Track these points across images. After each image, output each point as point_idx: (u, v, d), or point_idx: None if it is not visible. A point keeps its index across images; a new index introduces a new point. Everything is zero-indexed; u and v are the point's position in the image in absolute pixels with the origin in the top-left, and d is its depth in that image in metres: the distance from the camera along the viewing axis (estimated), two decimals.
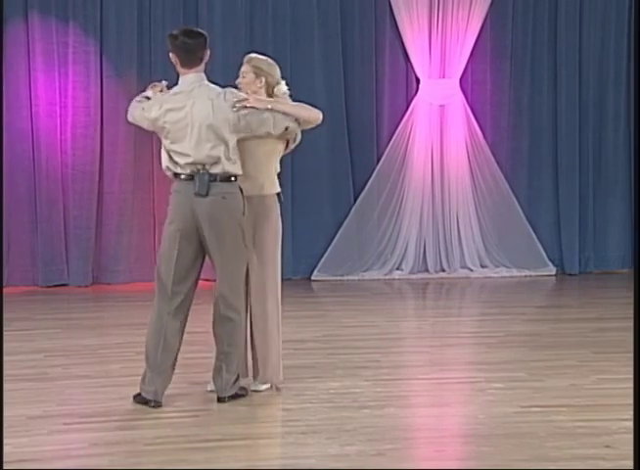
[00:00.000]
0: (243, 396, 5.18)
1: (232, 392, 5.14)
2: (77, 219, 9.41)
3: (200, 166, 5.02)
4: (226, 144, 5.07)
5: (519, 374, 5.78)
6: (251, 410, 5.01)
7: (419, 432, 4.78)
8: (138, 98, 5.32)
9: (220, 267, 5.11)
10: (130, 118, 5.33)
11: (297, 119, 5.30)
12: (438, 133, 10.07)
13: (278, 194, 5.44)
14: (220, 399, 5.12)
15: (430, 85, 9.98)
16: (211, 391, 5.25)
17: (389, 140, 10.03)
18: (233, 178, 5.08)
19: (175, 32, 5.21)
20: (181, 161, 5.05)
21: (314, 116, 5.36)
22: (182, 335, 5.14)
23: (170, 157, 5.10)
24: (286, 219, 9.79)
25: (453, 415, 5.02)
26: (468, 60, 9.98)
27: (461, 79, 10.04)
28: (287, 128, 5.27)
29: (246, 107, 5.16)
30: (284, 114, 5.24)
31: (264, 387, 5.32)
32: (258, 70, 5.44)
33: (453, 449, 4.52)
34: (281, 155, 5.53)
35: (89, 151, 9.34)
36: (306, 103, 5.49)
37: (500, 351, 6.47)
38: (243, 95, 5.25)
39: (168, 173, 5.16)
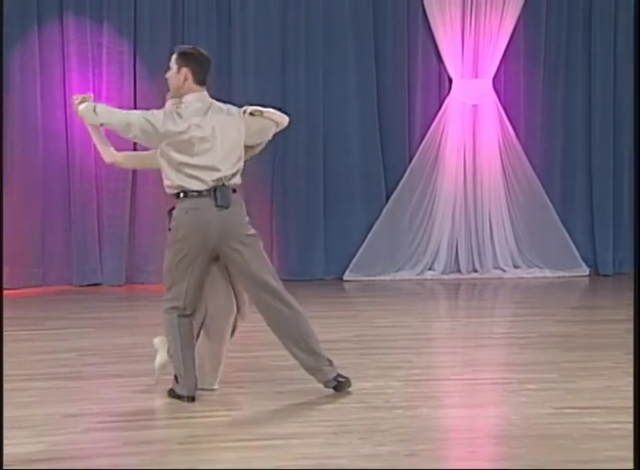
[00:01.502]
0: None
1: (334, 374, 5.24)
2: (111, 219, 9.49)
3: (223, 180, 5.06)
4: (242, 156, 5.17)
5: (552, 375, 5.75)
6: (282, 410, 5.02)
7: (451, 433, 4.76)
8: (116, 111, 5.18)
9: (255, 268, 5.12)
10: (115, 122, 5.07)
11: (277, 125, 5.30)
12: (471, 133, 10.04)
13: None
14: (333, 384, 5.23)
15: (462, 85, 9.96)
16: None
17: (422, 140, 10.02)
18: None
19: (189, 49, 5.23)
20: (207, 176, 5.02)
21: (285, 121, 5.39)
22: (198, 328, 5.22)
23: (188, 174, 5.02)
24: (317, 219, 9.93)
25: (486, 416, 5.00)
26: (501, 60, 9.95)
27: (494, 79, 10.01)
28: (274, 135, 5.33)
29: (252, 114, 5.18)
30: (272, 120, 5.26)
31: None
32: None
33: (486, 450, 4.50)
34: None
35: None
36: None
37: (533, 352, 6.43)
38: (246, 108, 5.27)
39: (175, 191, 5.05)
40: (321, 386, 5.31)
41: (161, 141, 5.04)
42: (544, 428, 4.67)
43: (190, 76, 5.12)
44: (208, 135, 5.05)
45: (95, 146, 5.47)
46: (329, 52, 9.85)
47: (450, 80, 10.03)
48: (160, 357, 5.36)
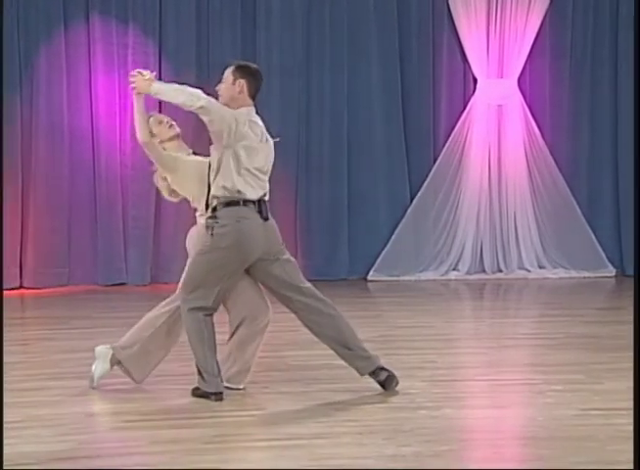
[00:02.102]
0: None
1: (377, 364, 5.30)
2: (136, 220, 9.53)
3: (266, 193, 5.18)
4: None
5: (578, 376, 5.72)
6: (307, 410, 5.02)
7: (476, 433, 4.75)
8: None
9: (294, 275, 5.24)
10: (215, 114, 5.00)
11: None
12: (496, 133, 10.01)
13: None
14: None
15: (487, 85, 9.93)
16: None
17: (446, 140, 10.00)
18: None
19: (247, 63, 5.28)
20: (259, 187, 5.11)
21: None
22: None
23: (247, 181, 5.07)
24: (342, 220, 9.93)
25: (511, 417, 4.98)
26: (526, 59, 9.91)
27: (519, 79, 9.97)
28: None
29: None
30: None
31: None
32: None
33: (511, 452, 4.48)
34: None
35: None
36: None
37: (559, 352, 6.40)
38: None
39: (228, 195, 5.03)
40: (346, 386, 5.31)
41: (239, 141, 5.06)
42: (570, 429, 4.64)
43: (245, 89, 5.14)
44: (264, 147, 5.14)
45: (135, 124, 5.30)
46: (353, 52, 9.84)
47: (475, 80, 9.99)
48: (102, 368, 5.35)
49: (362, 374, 5.31)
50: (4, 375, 5.70)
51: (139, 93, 5.19)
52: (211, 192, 5.13)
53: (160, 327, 5.34)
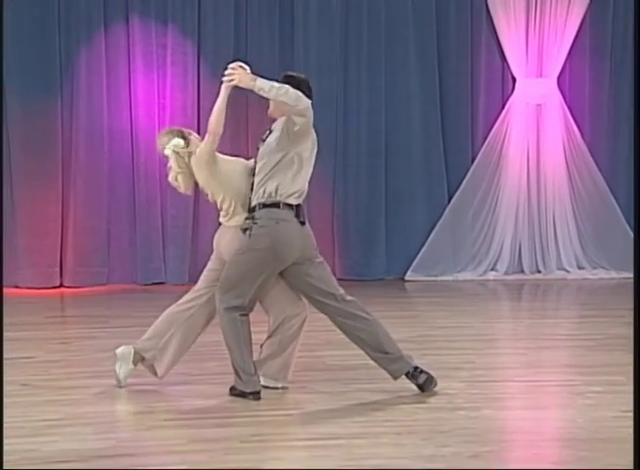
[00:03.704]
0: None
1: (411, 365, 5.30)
2: (174, 219, 9.58)
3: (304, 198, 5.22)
4: None
5: (618, 378, 5.66)
6: (345, 410, 5.02)
7: (515, 434, 4.72)
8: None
9: (327, 281, 5.25)
10: (307, 111, 5.08)
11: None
12: (535, 133, 9.95)
13: None
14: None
15: (526, 84, 9.87)
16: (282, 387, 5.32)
17: (485, 140, 9.95)
18: None
19: (298, 73, 5.33)
20: (303, 191, 5.16)
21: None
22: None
23: (300, 183, 5.13)
24: (379, 220, 9.91)
25: (550, 418, 4.95)
26: (566, 58, 9.85)
27: (559, 78, 9.90)
28: None
29: None
30: None
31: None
32: None
33: (551, 453, 4.45)
34: None
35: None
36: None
37: (599, 354, 6.35)
38: None
39: (286, 195, 5.08)
40: (383, 386, 5.30)
41: (312, 145, 5.20)
42: (610, 431, 4.61)
43: None
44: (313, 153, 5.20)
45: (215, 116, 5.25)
46: (391, 51, 9.83)
47: (514, 79, 9.94)
48: (125, 368, 5.38)
49: (396, 377, 5.29)
50: (44, 373, 5.78)
51: (233, 86, 5.10)
52: (256, 193, 5.13)
53: (181, 322, 5.37)
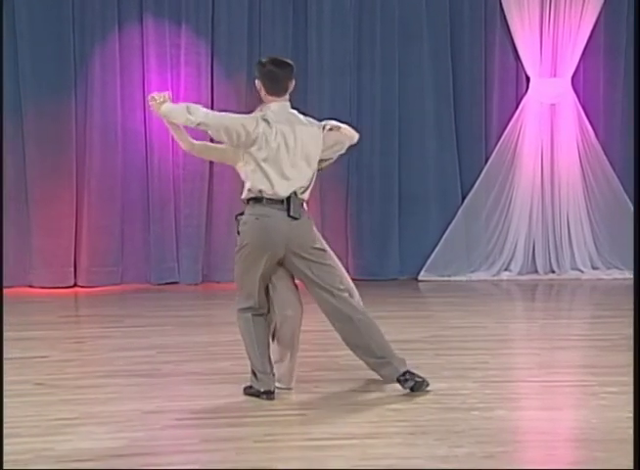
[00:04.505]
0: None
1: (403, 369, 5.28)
2: (188, 218, 9.59)
3: (297, 191, 5.13)
4: (315, 171, 5.24)
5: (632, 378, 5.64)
6: (358, 410, 5.02)
7: (529, 435, 4.71)
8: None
9: (325, 278, 5.19)
10: (213, 127, 5.11)
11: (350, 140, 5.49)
12: (549, 133, 9.92)
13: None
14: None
15: (540, 84, 9.84)
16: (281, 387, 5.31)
17: (498, 140, 9.93)
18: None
19: (264, 60, 5.26)
20: (283, 185, 5.09)
21: (356, 137, 5.50)
22: (269, 328, 5.30)
23: (268, 179, 5.08)
24: (393, 219, 9.90)
25: (565, 419, 4.94)
26: (580, 58, 9.82)
27: (573, 78, 9.88)
28: None
29: (331, 129, 5.33)
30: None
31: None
32: None
33: (565, 454, 4.44)
34: None
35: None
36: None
37: (613, 354, 6.33)
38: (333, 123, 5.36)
39: (252, 196, 5.10)
40: (397, 386, 5.29)
41: (252, 145, 5.09)
42: (625, 432, 4.58)
43: (262, 88, 5.21)
44: (291, 144, 5.12)
45: (172, 137, 5.57)
46: (404, 51, 9.82)
47: (528, 79, 9.91)
48: None
49: (387, 382, 5.29)
50: (58, 372, 5.79)
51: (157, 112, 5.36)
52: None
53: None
